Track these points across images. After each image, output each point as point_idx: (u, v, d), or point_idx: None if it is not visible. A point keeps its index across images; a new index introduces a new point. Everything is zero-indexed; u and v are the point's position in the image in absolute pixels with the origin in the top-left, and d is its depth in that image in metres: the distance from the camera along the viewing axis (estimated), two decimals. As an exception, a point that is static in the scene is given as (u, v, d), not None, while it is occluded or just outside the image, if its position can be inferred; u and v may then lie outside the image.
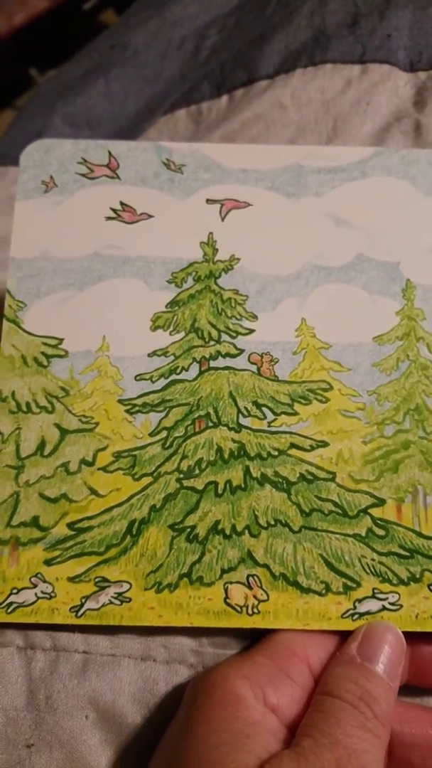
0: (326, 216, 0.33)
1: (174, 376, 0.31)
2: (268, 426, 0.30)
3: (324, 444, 0.30)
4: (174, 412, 0.31)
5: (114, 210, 0.33)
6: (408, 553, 0.28)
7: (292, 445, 0.30)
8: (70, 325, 0.32)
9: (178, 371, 0.31)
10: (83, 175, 0.34)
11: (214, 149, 0.34)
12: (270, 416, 0.30)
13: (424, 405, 0.30)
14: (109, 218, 0.33)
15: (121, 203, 0.33)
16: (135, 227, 0.33)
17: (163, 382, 0.31)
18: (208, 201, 0.33)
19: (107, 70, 0.45)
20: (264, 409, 0.31)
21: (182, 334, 0.32)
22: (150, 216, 0.33)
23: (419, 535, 0.29)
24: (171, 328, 0.32)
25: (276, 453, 0.30)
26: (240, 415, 0.31)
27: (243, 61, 0.40)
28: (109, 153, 0.34)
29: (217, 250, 0.33)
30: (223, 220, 0.33)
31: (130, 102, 0.43)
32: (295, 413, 0.30)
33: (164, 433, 0.30)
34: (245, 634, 0.28)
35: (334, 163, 0.33)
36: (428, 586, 0.28)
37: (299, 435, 0.30)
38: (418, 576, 0.28)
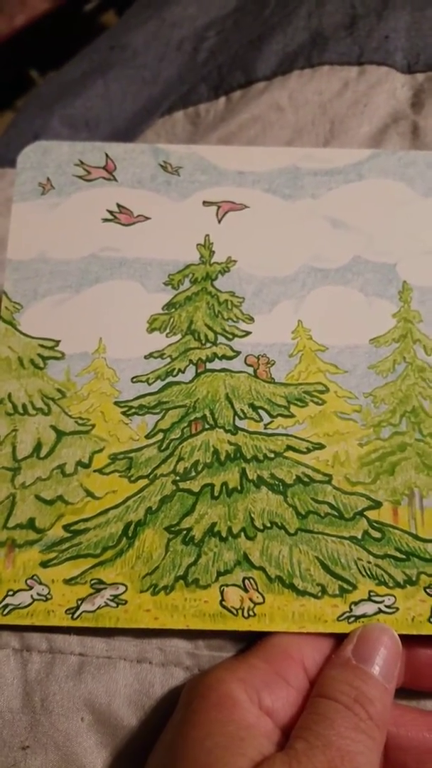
0: (323, 218, 0.33)
1: (170, 378, 0.31)
2: (265, 428, 0.30)
3: (320, 446, 0.30)
4: (170, 414, 0.31)
5: (111, 212, 0.33)
6: (404, 556, 0.28)
7: (288, 448, 0.30)
8: (66, 327, 0.32)
9: (174, 373, 0.31)
10: (80, 177, 0.34)
11: (211, 151, 0.34)
12: (266, 418, 0.30)
13: (421, 407, 0.30)
14: (105, 220, 0.33)
15: (118, 205, 0.33)
16: (132, 229, 0.33)
17: (159, 384, 0.31)
18: (204, 203, 0.33)
19: (106, 72, 0.45)
20: (260, 411, 0.31)
21: (179, 336, 0.32)
22: (147, 218, 0.33)
23: (415, 537, 0.29)
24: (167, 330, 0.32)
25: (272, 455, 0.30)
26: (236, 417, 0.31)
27: (240, 62, 0.40)
28: (106, 155, 0.34)
29: (213, 252, 0.33)
30: (219, 222, 0.33)
31: (128, 103, 0.43)
32: (292, 415, 0.30)
33: (160, 435, 0.30)
34: (241, 636, 0.28)
35: (331, 165, 0.33)
36: (424, 589, 0.28)
37: (295, 437, 0.30)
38: (414, 579, 0.28)
